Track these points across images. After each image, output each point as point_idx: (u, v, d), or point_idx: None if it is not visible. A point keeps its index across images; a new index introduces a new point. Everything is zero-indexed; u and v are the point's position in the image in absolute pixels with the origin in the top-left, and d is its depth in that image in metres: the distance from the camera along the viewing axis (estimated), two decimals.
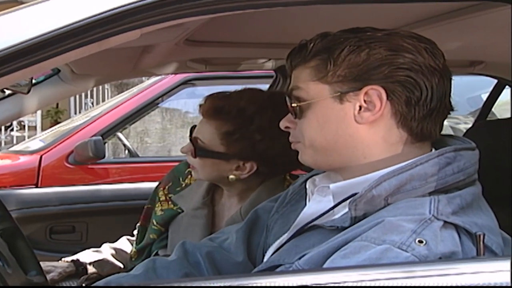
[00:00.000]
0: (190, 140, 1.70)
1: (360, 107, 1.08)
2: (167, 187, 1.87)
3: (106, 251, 2.01)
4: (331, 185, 1.12)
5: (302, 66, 1.14)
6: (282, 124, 1.20)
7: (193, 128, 1.74)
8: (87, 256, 1.99)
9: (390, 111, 1.07)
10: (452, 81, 1.12)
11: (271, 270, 1.11)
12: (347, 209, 1.07)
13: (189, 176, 1.85)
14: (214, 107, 1.65)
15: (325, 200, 1.15)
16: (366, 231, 0.99)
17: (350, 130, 1.09)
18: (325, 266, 0.99)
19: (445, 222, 0.99)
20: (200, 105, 1.70)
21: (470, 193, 1.06)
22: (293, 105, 1.15)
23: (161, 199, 1.86)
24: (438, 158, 1.05)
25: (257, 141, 1.61)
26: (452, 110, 1.13)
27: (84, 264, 1.95)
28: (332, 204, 1.11)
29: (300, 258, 1.05)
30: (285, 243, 1.16)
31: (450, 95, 1.11)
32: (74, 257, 1.97)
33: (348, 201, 1.07)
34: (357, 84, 1.07)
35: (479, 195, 1.09)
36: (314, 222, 1.11)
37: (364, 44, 1.07)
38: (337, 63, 1.09)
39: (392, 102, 1.07)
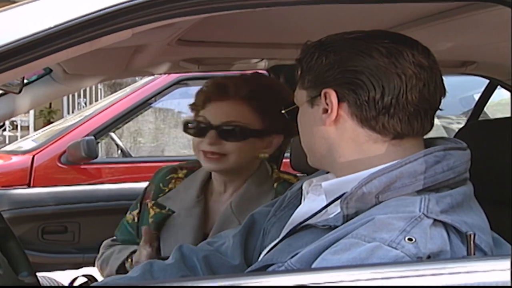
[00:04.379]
0: (214, 127, 1.68)
1: (326, 110, 1.13)
2: (150, 195, 1.87)
3: None
4: (323, 183, 1.15)
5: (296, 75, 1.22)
6: None
7: (189, 121, 1.75)
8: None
9: (348, 112, 1.11)
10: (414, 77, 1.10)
11: (263, 269, 1.11)
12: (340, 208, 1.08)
13: (173, 181, 1.86)
14: (248, 89, 1.71)
15: (318, 199, 1.17)
16: (356, 228, 1.01)
17: (321, 132, 1.15)
18: (315, 263, 1.00)
19: (435, 220, 1.00)
20: (218, 90, 1.71)
21: (461, 192, 1.07)
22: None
23: (148, 207, 1.86)
24: (427, 156, 1.07)
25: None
26: (435, 108, 1.13)
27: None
28: (325, 203, 1.13)
29: (292, 257, 1.06)
30: (278, 242, 1.17)
31: (418, 91, 1.09)
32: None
33: (339, 200, 1.08)
34: (318, 88, 1.14)
35: (470, 195, 1.11)
36: (307, 222, 1.12)
37: (320, 50, 1.14)
38: (303, 70, 1.17)
39: (346, 103, 1.11)
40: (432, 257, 0.97)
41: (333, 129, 1.13)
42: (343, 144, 1.13)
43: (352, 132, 1.12)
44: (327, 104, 1.12)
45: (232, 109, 1.70)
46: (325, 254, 1.00)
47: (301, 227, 1.13)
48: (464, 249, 1.00)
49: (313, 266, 1.00)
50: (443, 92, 1.15)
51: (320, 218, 1.12)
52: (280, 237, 1.18)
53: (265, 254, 1.20)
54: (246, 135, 1.69)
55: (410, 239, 0.96)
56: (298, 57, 1.19)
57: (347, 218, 1.06)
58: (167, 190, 1.84)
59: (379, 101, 1.09)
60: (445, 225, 1.01)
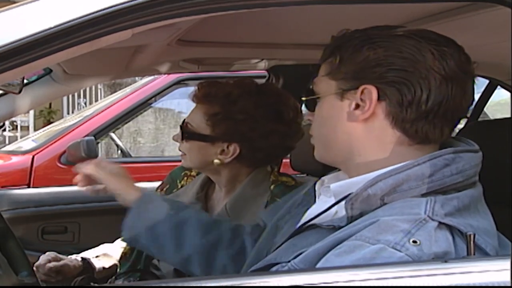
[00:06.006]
0: (181, 127, 1.77)
1: (358, 106, 1.09)
2: (164, 189, 1.92)
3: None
4: (332, 185, 1.14)
5: (323, 62, 1.16)
6: (306, 117, 1.23)
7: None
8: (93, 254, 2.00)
9: (384, 111, 1.08)
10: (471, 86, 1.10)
11: (267, 268, 1.11)
12: None
13: (185, 178, 1.91)
14: (204, 92, 1.73)
15: (329, 201, 1.15)
16: (360, 230, 1.00)
17: (346, 127, 1.11)
18: (319, 264, 1.00)
19: (440, 223, 0.99)
20: (193, 93, 1.77)
21: (468, 195, 1.06)
22: (302, 98, 1.19)
23: None
24: (437, 159, 1.05)
25: (239, 122, 1.68)
26: (464, 116, 1.11)
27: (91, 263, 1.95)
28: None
29: (296, 257, 1.05)
30: (284, 242, 1.16)
31: (460, 98, 1.08)
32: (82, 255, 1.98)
33: (344, 200, 1.07)
34: (355, 82, 1.09)
35: (478, 197, 1.09)
36: (313, 221, 1.12)
37: (368, 43, 1.09)
38: (343, 60, 1.11)
39: (385, 102, 1.07)
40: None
41: (361, 126, 1.10)
42: (368, 142, 1.10)
43: (380, 132, 1.09)
44: (361, 100, 1.08)
45: (193, 111, 1.76)
46: (329, 255, 1.00)
47: (307, 227, 1.13)
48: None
49: (316, 267, 1.00)
50: (472, 101, 1.12)
51: (327, 219, 1.11)
52: (286, 236, 1.18)
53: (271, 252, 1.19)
54: (192, 138, 1.73)
55: (414, 242, 0.95)
56: (336, 44, 1.13)
57: (351, 219, 1.05)
58: (179, 186, 1.90)
59: (423, 105, 1.06)
60: (450, 228, 1.00)
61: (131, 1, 0.95)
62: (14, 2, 1.03)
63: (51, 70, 1.98)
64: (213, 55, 1.97)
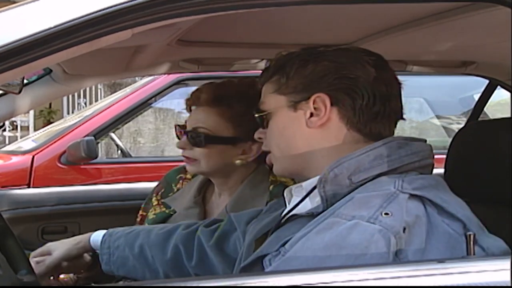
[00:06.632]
0: (185, 133, 1.72)
1: (312, 114, 1.19)
2: (160, 193, 1.90)
3: None
4: (304, 183, 1.22)
5: (267, 82, 1.27)
6: (256, 136, 1.32)
7: (178, 126, 1.78)
8: None
9: (337, 115, 1.19)
10: (401, 88, 1.25)
11: (256, 262, 1.16)
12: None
13: (181, 181, 1.89)
14: (215, 96, 1.71)
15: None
16: (338, 209, 1.08)
17: (305, 134, 1.21)
18: (300, 242, 1.07)
19: (411, 195, 1.07)
20: (195, 96, 1.74)
21: (433, 178, 1.15)
22: (255, 115, 1.28)
23: (154, 204, 1.89)
24: (390, 143, 1.16)
25: None
26: (401, 116, 1.24)
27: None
28: (309, 201, 1.19)
29: (283, 245, 1.11)
30: (267, 237, 1.22)
31: (397, 101, 1.23)
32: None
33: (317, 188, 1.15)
34: (306, 93, 1.20)
35: (444, 184, 1.16)
36: (292, 212, 1.19)
37: (312, 58, 1.22)
38: (289, 76, 1.22)
39: (338, 107, 1.19)
40: (408, 228, 1.02)
41: (319, 131, 1.20)
42: (327, 144, 1.20)
43: (337, 134, 1.20)
44: (314, 109, 1.18)
45: (202, 115, 1.72)
46: (310, 234, 1.07)
47: (287, 219, 1.20)
48: (440, 219, 1.06)
49: (297, 245, 1.07)
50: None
51: (304, 210, 1.18)
52: (251, 236, 1.27)
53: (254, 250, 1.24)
54: (212, 143, 1.69)
55: (386, 214, 1.03)
56: (278, 65, 1.24)
57: (327, 203, 1.13)
58: (175, 190, 1.88)
59: (371, 108, 1.18)
60: (422, 199, 1.07)
61: (131, 1, 0.95)
62: (14, 2, 1.03)
63: (51, 70, 1.98)
64: (213, 55, 1.97)
